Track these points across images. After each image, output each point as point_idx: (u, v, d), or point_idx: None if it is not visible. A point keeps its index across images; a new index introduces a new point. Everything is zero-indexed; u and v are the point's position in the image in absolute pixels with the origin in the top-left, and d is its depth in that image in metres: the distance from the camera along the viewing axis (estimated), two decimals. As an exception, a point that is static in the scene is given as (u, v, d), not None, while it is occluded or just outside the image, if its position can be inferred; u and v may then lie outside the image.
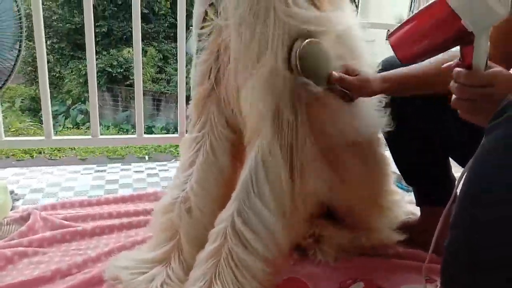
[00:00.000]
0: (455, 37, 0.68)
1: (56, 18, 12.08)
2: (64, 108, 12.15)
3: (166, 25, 12.97)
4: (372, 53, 1.04)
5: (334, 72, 0.93)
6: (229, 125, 1.06)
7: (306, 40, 0.85)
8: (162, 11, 12.76)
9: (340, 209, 1.19)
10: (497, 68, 0.68)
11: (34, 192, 1.59)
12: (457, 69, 0.70)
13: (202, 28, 0.99)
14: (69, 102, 12.30)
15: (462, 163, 1.14)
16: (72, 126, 11.37)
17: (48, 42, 12.19)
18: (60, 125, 11.37)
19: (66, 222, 1.30)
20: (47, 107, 1.61)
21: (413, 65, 0.96)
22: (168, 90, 12.69)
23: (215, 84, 1.02)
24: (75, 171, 1.83)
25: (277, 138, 0.92)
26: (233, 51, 0.92)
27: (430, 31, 0.69)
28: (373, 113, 1.05)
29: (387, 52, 0.89)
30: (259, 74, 0.86)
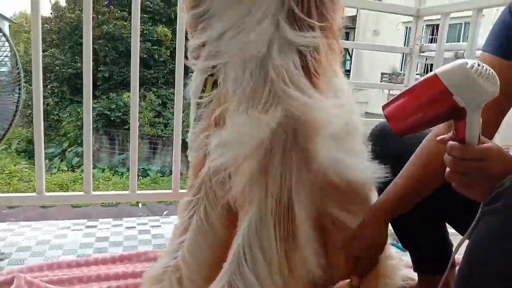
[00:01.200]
0: (448, 113, 0.70)
1: (59, 63, 12.39)
2: (60, 150, 12.16)
3: (166, 71, 13.30)
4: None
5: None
6: (226, 191, 1.04)
7: None
8: (162, 58, 13.12)
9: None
10: (489, 144, 0.70)
11: (21, 251, 1.54)
12: (451, 142, 0.71)
13: (200, 97, 0.99)
14: (65, 144, 12.33)
15: (458, 228, 1.12)
16: (67, 169, 11.32)
17: (49, 86, 12.43)
18: (55, 167, 11.34)
19: (52, 287, 1.24)
20: (40, 162, 1.59)
21: (401, 176, 0.97)
22: (165, 134, 12.80)
23: None
24: (65, 227, 1.79)
25: (270, 206, 0.90)
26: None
27: (424, 106, 0.71)
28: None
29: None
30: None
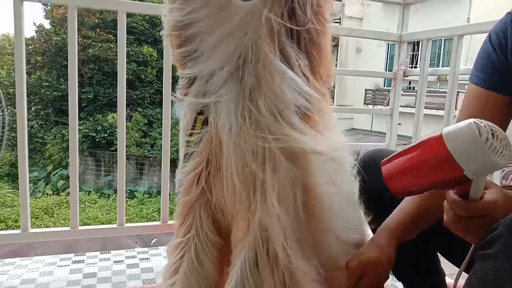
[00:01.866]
0: (453, 182, 0.64)
1: (44, 85, 12.28)
2: (44, 174, 11.95)
3: (152, 91, 13.28)
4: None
5: None
6: (217, 229, 1.02)
7: None
8: (148, 78, 13.12)
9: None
10: (493, 196, 0.66)
11: (5, 291, 1.49)
12: (453, 196, 0.67)
13: (190, 134, 0.99)
14: (50, 167, 12.12)
15: (450, 258, 1.13)
16: (52, 192, 11.11)
17: (33, 108, 12.28)
18: (39, 191, 11.11)
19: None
20: (25, 198, 1.55)
21: (405, 203, 0.95)
22: (151, 154, 12.70)
23: (206, 188, 1.00)
24: (51, 263, 1.74)
25: (265, 247, 0.89)
26: (226, 163, 0.91)
27: (424, 171, 0.65)
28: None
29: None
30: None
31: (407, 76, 2.17)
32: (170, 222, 1.76)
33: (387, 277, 0.97)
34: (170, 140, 1.72)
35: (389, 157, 0.72)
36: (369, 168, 1.08)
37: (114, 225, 1.70)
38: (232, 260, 0.96)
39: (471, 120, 0.60)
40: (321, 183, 0.91)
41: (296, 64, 0.86)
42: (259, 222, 0.87)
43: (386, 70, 11.15)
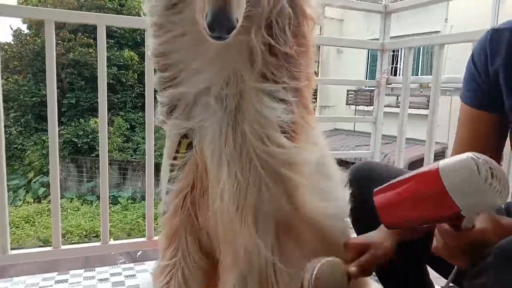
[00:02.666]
0: (446, 217, 0.63)
1: (22, 90, 12.01)
2: (25, 181, 11.68)
3: (134, 95, 13.13)
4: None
5: (351, 269, 0.85)
6: (204, 252, 1.01)
7: (322, 261, 0.81)
8: (130, 82, 12.96)
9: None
10: (484, 224, 0.65)
11: (-15, 317, 1.44)
12: (444, 227, 0.65)
13: (175, 158, 0.97)
14: (30, 174, 11.86)
15: (438, 270, 1.13)
16: (33, 200, 10.87)
17: (12, 115, 12.00)
18: (20, 199, 10.86)
19: None
20: (4, 220, 1.51)
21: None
22: (134, 159, 12.55)
23: (191, 212, 0.98)
24: (34, 284, 1.69)
25: (254, 273, 0.88)
26: (211, 187, 0.90)
27: (417, 206, 0.63)
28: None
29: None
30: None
31: (389, 84, 2.19)
32: (156, 238, 1.73)
33: (388, 255, 0.93)
34: (154, 144, 1.70)
35: (382, 186, 0.70)
36: (357, 181, 1.09)
37: (98, 243, 1.67)
38: (219, 285, 0.95)
39: (469, 155, 0.58)
40: (311, 200, 0.90)
41: (279, 84, 0.85)
42: (245, 248, 0.86)
43: (367, 70, 11.26)
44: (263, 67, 0.84)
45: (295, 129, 0.89)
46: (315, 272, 0.79)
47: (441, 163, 0.60)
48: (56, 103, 1.49)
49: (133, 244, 1.75)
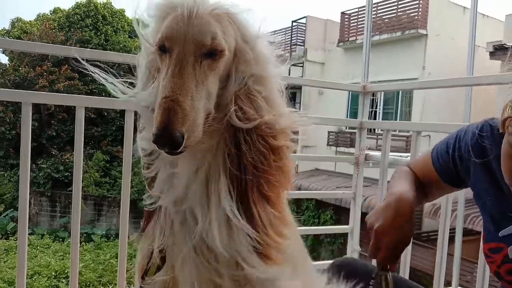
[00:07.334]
0: None
1: (2, 122, 11.79)
2: (-7, 215, 11.20)
3: (114, 128, 13.02)
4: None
5: None
6: None
7: None
8: (111, 115, 12.88)
9: None
10: None
11: None
12: None
13: (146, 272, 0.94)
14: (1, 208, 11.39)
15: None
16: (1, 236, 10.35)
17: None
18: (-14, 234, 10.33)
19: None
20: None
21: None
22: (111, 194, 12.24)
23: None
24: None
25: None
26: None
27: None
28: None
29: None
30: None
31: (368, 161, 2.11)
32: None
33: (408, 243, 0.92)
34: (131, 180, 1.62)
35: None
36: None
37: None
38: None
39: None
40: None
41: (249, 202, 0.84)
42: None
43: (348, 111, 11.50)
44: (234, 183, 0.83)
45: (267, 250, 0.86)
46: None
47: None
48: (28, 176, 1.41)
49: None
